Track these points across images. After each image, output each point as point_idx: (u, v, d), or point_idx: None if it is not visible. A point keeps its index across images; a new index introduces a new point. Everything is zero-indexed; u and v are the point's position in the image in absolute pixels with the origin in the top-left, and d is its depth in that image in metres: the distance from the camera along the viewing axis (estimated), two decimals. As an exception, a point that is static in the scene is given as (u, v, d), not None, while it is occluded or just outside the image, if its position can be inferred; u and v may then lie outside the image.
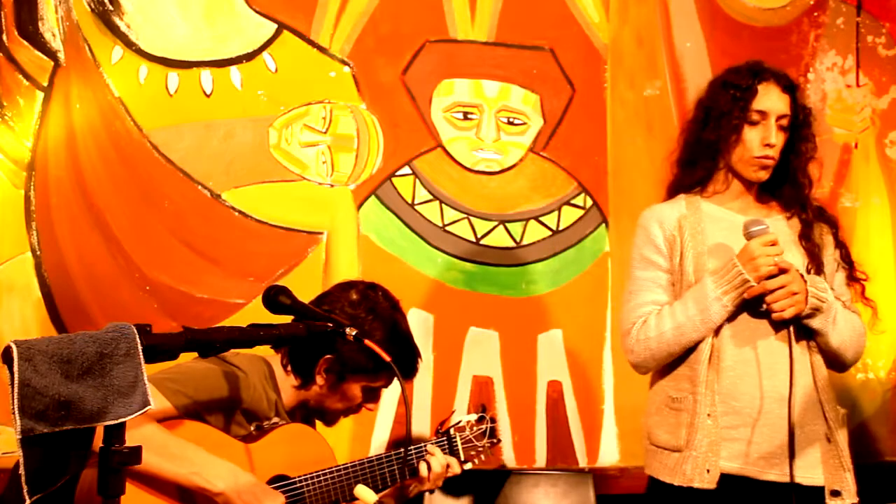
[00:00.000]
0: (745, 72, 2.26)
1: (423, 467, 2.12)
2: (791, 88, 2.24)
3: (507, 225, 3.14)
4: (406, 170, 3.09)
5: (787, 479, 2.12)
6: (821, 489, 2.16)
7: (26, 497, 1.30)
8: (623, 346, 2.31)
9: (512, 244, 3.14)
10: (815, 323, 2.15)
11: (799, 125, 2.25)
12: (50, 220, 2.86)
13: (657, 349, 2.21)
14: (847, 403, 3.29)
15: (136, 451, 1.39)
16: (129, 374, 1.38)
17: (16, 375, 1.29)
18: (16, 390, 1.29)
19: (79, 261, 2.86)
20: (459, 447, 2.23)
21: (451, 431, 2.24)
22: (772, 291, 2.10)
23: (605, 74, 3.23)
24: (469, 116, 3.14)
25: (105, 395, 1.35)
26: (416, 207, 3.09)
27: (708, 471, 2.12)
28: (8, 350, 1.31)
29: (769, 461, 2.14)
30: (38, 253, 2.84)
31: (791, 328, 2.12)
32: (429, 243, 3.08)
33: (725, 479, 2.14)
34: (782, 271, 2.10)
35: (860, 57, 3.40)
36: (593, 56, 3.23)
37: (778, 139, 2.21)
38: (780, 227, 2.26)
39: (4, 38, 2.85)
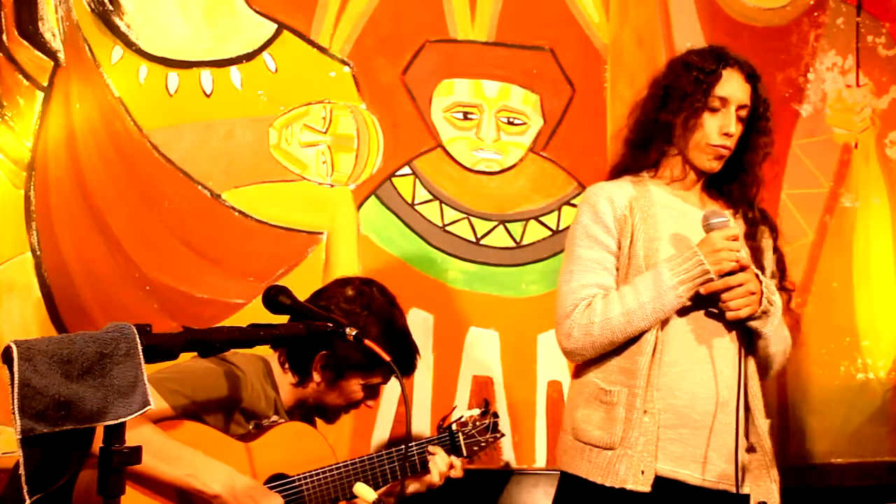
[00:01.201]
0: (710, 55, 2.14)
1: (431, 468, 2.10)
2: (753, 78, 2.14)
3: (507, 225, 3.14)
4: (406, 170, 3.08)
5: (721, 486, 2.04)
6: (746, 497, 2.07)
7: (26, 497, 1.30)
8: (559, 331, 2.14)
9: (512, 244, 3.14)
10: (761, 326, 2.04)
11: (757, 118, 2.14)
12: (50, 220, 2.86)
13: (599, 336, 2.05)
14: (847, 403, 3.30)
15: (137, 451, 1.39)
16: (129, 374, 1.38)
17: (16, 375, 1.29)
18: (16, 390, 1.29)
19: (79, 261, 2.86)
20: (462, 443, 2.21)
21: (454, 427, 2.22)
22: (729, 288, 1.99)
23: (605, 74, 3.23)
24: (469, 116, 3.14)
25: (105, 395, 1.35)
26: (416, 207, 3.09)
27: (643, 472, 1.99)
28: (8, 350, 1.31)
29: (706, 466, 2.03)
30: (38, 253, 2.84)
31: (732, 332, 2.03)
32: (429, 243, 3.08)
33: (660, 481, 2.02)
34: (742, 268, 2.00)
35: (860, 57, 3.39)
36: (593, 56, 3.23)
37: (736, 129, 2.11)
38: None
39: (4, 38, 2.85)
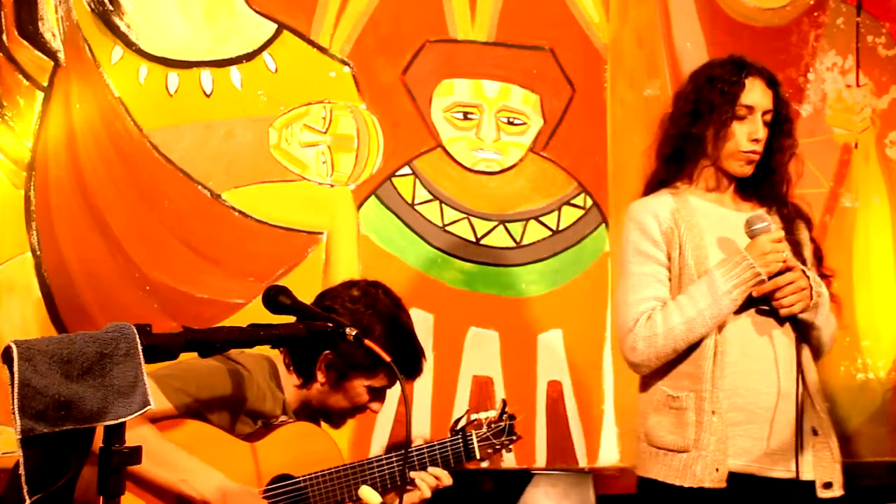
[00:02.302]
0: (731, 66, 2.25)
1: (419, 484, 2.07)
2: (774, 84, 2.25)
3: (507, 225, 3.14)
4: (406, 170, 3.08)
5: (791, 475, 2.12)
6: (811, 483, 2.16)
7: (26, 497, 1.30)
8: (624, 345, 2.24)
9: (512, 244, 3.14)
10: (813, 317, 2.16)
11: (781, 121, 2.25)
12: (50, 220, 2.85)
13: (663, 346, 2.16)
14: (847, 403, 3.30)
15: (137, 451, 1.39)
16: (129, 374, 1.38)
17: (16, 375, 1.29)
18: (16, 390, 1.29)
19: (79, 261, 2.86)
20: (475, 445, 2.16)
21: (467, 429, 2.18)
22: (780, 287, 2.10)
23: (605, 74, 3.23)
24: (469, 116, 3.14)
25: (105, 395, 1.35)
26: (416, 207, 3.09)
27: (717, 470, 2.10)
28: (8, 350, 1.31)
29: (772, 457, 2.13)
30: (38, 253, 2.84)
31: (783, 328, 2.14)
32: (429, 243, 3.08)
33: (731, 477, 2.12)
34: (789, 268, 2.11)
35: (860, 57, 3.40)
36: (593, 56, 3.23)
37: (763, 134, 2.22)
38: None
39: (4, 38, 2.85)
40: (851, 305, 3.31)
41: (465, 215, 3.12)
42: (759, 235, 2.12)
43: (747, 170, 2.24)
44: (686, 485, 2.12)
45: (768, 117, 2.23)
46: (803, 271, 2.13)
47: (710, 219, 2.25)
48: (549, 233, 3.16)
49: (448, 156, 3.12)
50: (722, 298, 2.10)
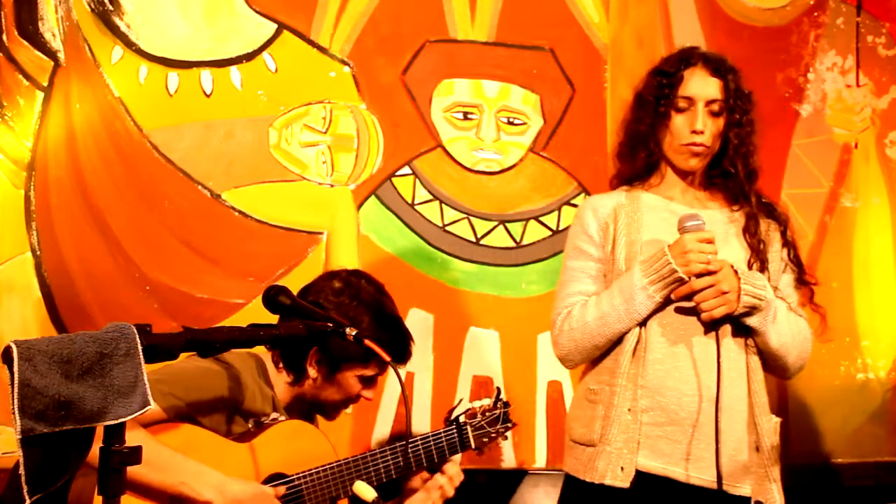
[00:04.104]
0: (674, 59, 2.20)
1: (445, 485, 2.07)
2: (722, 72, 2.16)
3: (507, 225, 3.14)
4: (406, 170, 3.08)
5: (713, 485, 2.03)
6: (747, 499, 2.07)
7: (26, 497, 1.30)
8: (551, 340, 2.22)
9: (512, 244, 3.14)
10: (752, 321, 2.05)
11: (730, 110, 2.15)
12: (50, 220, 2.86)
13: (581, 340, 2.12)
14: (847, 403, 3.30)
15: (137, 451, 1.39)
16: (129, 374, 1.38)
17: (16, 375, 1.29)
18: (16, 390, 1.29)
19: (79, 261, 2.86)
20: (470, 435, 2.15)
21: (462, 419, 2.16)
22: (700, 290, 2.01)
23: (605, 74, 3.23)
24: (469, 116, 3.14)
25: (105, 395, 1.35)
26: (416, 207, 3.09)
27: (622, 468, 2.02)
28: (8, 350, 1.31)
29: (694, 464, 2.03)
30: (38, 253, 2.84)
31: (719, 328, 2.03)
32: (429, 243, 3.08)
33: (646, 478, 2.04)
34: (711, 272, 2.01)
35: (860, 57, 3.40)
36: (593, 56, 3.23)
37: (709, 125, 2.13)
38: (721, 218, 2.18)
39: (4, 38, 2.85)
40: (851, 305, 3.31)
41: (465, 215, 3.12)
42: (687, 233, 2.02)
43: (694, 162, 2.16)
44: (587, 479, 2.07)
45: (715, 107, 2.14)
46: (735, 273, 2.03)
47: (659, 214, 2.17)
48: (549, 233, 3.16)
49: (448, 156, 3.12)
50: (638, 294, 2.04)
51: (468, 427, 2.16)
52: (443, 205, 3.11)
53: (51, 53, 2.88)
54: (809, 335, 2.20)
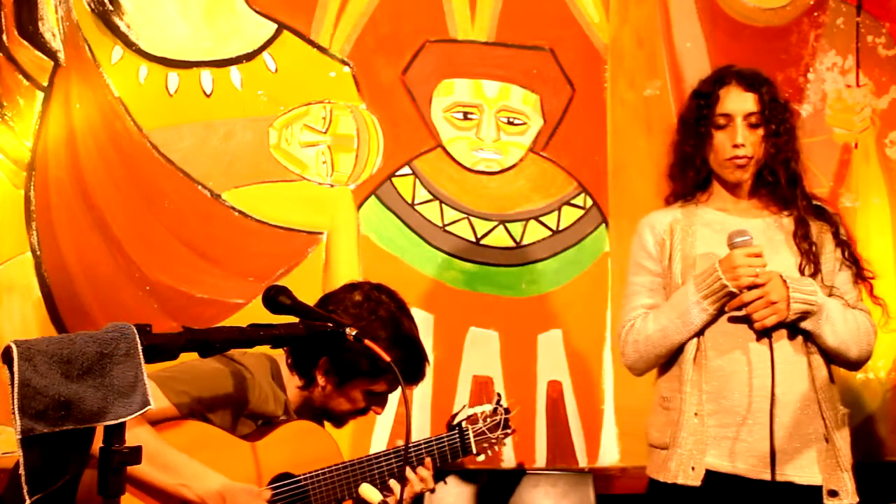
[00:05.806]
0: (710, 80, 2.31)
1: (411, 478, 2.07)
2: (755, 86, 2.25)
3: (507, 225, 3.14)
4: (406, 170, 3.09)
5: (785, 479, 2.13)
6: (819, 489, 2.17)
7: (26, 497, 1.30)
8: (619, 350, 2.37)
9: (512, 244, 3.14)
10: (805, 325, 2.17)
11: (766, 120, 2.25)
12: (50, 220, 2.86)
13: (645, 351, 2.27)
14: (847, 403, 3.28)
15: (137, 451, 1.39)
16: (129, 374, 1.38)
17: (16, 375, 1.29)
18: (16, 390, 1.29)
19: (79, 261, 2.86)
20: (472, 440, 2.19)
21: (463, 424, 2.20)
22: (751, 302, 2.12)
23: (605, 74, 3.23)
24: (469, 116, 3.14)
25: (105, 395, 1.35)
26: (416, 207, 3.09)
27: (693, 468, 2.15)
28: (8, 350, 1.31)
29: (761, 460, 2.13)
30: (38, 253, 2.84)
31: (772, 334, 2.13)
32: (429, 243, 3.08)
33: (716, 477, 2.15)
34: (759, 285, 2.11)
35: (860, 57, 3.39)
36: (593, 56, 3.23)
37: (749, 137, 2.23)
38: (772, 226, 2.28)
39: (4, 38, 2.85)
40: (851, 305, 3.31)
41: (465, 215, 3.12)
42: (735, 249, 2.15)
43: (740, 174, 2.26)
44: (661, 479, 2.21)
45: (753, 119, 2.24)
46: (784, 282, 2.13)
47: (713, 227, 2.28)
48: (549, 233, 3.16)
49: (448, 156, 3.12)
50: (692, 307, 2.17)
51: (470, 432, 2.21)
52: (443, 205, 3.11)
53: (51, 53, 2.88)
54: (871, 327, 2.32)
